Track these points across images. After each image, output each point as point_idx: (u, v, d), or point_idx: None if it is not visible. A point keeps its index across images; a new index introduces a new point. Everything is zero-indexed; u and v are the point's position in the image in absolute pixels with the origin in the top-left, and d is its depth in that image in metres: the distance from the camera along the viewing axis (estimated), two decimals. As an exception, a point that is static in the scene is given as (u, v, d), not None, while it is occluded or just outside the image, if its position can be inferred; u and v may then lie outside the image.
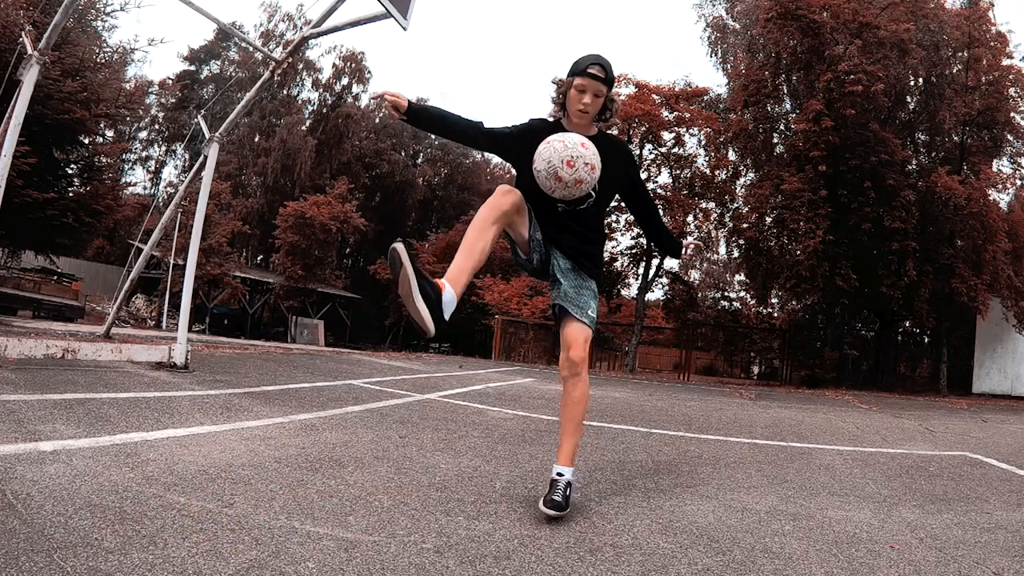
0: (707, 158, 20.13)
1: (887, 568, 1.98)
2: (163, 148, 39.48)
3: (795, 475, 3.45)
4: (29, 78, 5.45)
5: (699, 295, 26.94)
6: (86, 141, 16.99)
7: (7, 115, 5.52)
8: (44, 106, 12.91)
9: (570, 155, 2.22)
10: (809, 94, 16.29)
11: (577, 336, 2.42)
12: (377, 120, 41.07)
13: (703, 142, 19.96)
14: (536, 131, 2.46)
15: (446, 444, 3.53)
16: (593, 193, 2.41)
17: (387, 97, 2.33)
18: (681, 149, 19.94)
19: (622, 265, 20.81)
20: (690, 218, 19.84)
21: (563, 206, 2.43)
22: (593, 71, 2.39)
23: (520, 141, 2.46)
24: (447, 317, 2.04)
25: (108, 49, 18.89)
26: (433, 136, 42.60)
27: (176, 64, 39.77)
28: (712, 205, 20.33)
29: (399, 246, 1.96)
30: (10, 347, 5.48)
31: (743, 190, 19.62)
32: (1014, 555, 2.19)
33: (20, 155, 10.37)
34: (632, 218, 20.00)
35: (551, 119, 2.57)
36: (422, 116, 2.44)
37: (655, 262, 20.19)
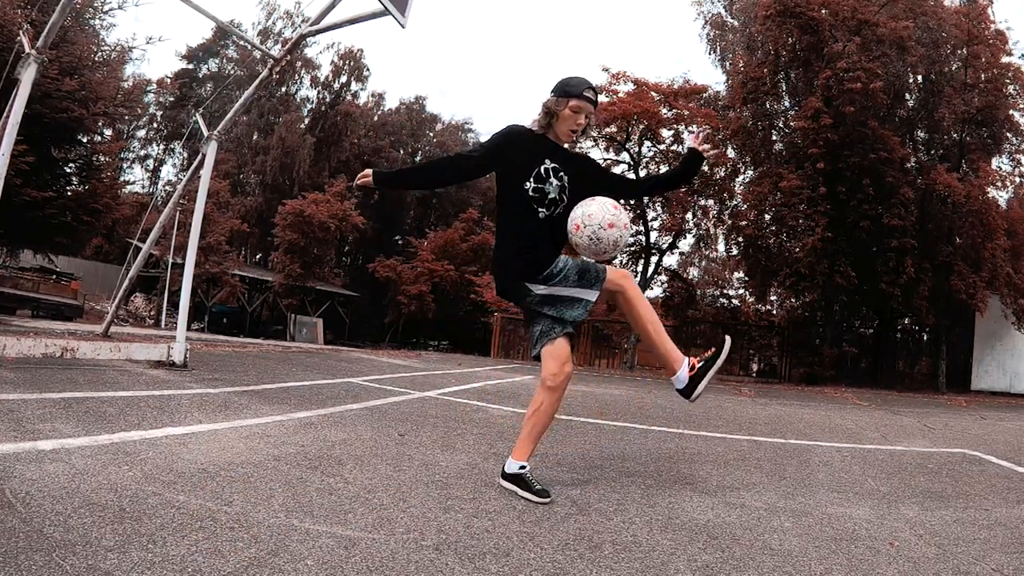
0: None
1: (886, 565, 1.98)
2: (161, 146, 39.38)
3: (794, 472, 3.46)
4: (27, 77, 5.44)
5: (698, 292, 26.92)
6: (84, 140, 16.95)
7: (5, 114, 5.51)
8: (42, 105, 12.87)
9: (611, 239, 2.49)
10: (808, 91, 16.27)
11: (569, 350, 2.61)
12: (376, 118, 41.02)
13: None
14: (523, 138, 2.63)
15: (445, 442, 3.53)
16: (565, 199, 2.61)
17: (359, 183, 2.64)
18: (680, 147, 19.90)
19: (621, 263, 20.78)
20: (689, 215, 19.82)
21: (544, 212, 2.58)
22: (589, 95, 2.58)
23: (504, 148, 2.61)
24: None
25: (106, 47, 18.81)
26: (431, 133, 42.72)
27: (174, 62, 39.56)
28: (711, 202, 20.32)
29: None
30: (9, 346, 5.47)
31: (742, 187, 19.60)
32: (1013, 552, 2.19)
33: (18, 154, 10.35)
34: (631, 214, 20.02)
35: (535, 129, 2.68)
36: (393, 175, 2.78)
37: (654, 260, 20.18)
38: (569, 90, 2.57)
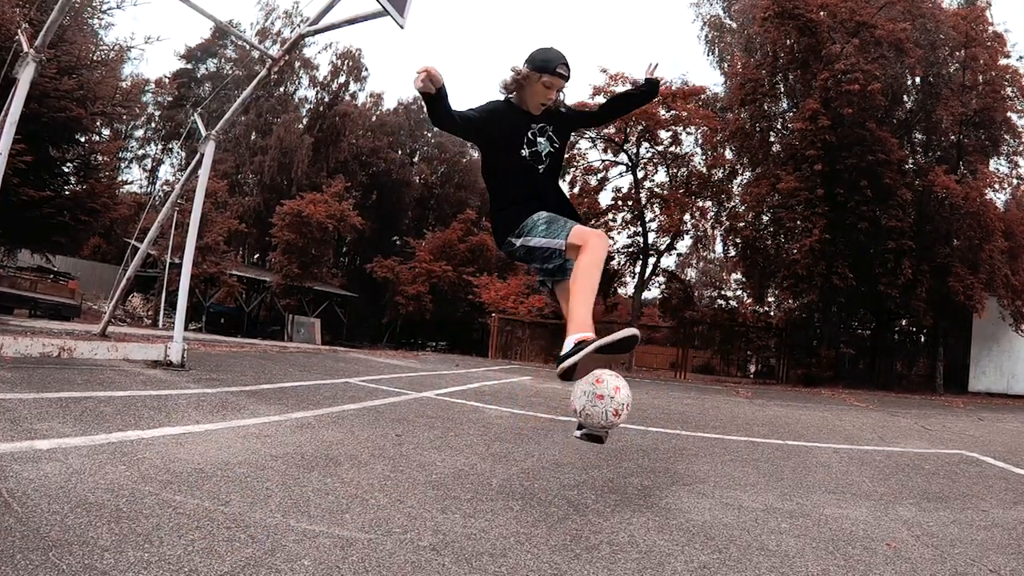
0: (704, 157, 20.14)
1: (883, 565, 1.98)
2: (160, 146, 39.24)
3: (792, 473, 3.46)
4: (25, 76, 5.43)
5: (696, 294, 26.96)
6: (82, 139, 16.93)
7: (3, 113, 5.51)
8: (40, 104, 12.85)
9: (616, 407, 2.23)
10: (806, 93, 16.31)
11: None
12: (374, 118, 40.95)
13: (700, 141, 19.95)
14: (502, 114, 2.62)
15: (442, 442, 3.52)
16: (556, 144, 2.68)
17: (430, 70, 2.22)
18: (678, 148, 19.94)
19: (619, 264, 20.79)
20: (687, 216, 19.83)
21: (543, 166, 2.65)
22: (563, 71, 2.55)
23: (486, 123, 2.59)
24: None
25: (105, 47, 18.82)
26: (430, 134, 42.68)
27: (173, 62, 39.50)
28: (709, 204, 20.35)
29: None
30: (6, 346, 5.46)
31: (740, 189, 19.64)
32: (1010, 553, 2.20)
33: (16, 153, 10.34)
34: (628, 216, 20.07)
35: (505, 97, 2.67)
36: (437, 103, 2.34)
37: (651, 261, 20.19)
38: (543, 65, 2.53)
